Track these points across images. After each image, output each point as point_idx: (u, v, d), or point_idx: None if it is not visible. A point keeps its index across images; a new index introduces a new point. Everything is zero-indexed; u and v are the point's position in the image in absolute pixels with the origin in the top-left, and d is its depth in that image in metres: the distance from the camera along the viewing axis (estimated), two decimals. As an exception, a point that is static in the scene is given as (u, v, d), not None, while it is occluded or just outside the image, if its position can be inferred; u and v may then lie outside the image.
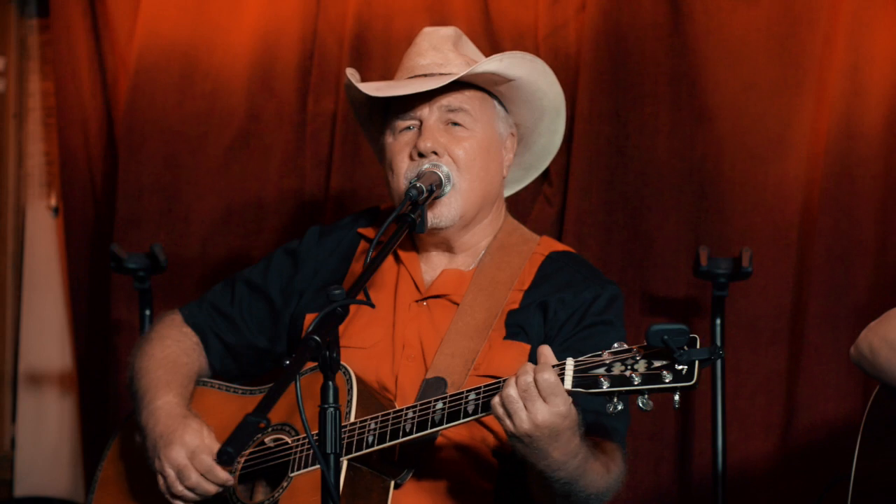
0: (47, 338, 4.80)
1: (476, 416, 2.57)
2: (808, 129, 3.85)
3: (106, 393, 4.52)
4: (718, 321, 3.72)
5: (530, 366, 2.49)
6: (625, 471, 2.78)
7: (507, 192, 3.13)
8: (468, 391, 2.56)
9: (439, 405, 2.58)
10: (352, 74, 2.99)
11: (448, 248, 2.96)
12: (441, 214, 2.85)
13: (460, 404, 2.56)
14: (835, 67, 3.79)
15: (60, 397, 4.79)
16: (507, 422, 2.50)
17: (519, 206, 3.89)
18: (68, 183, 4.63)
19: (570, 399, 2.50)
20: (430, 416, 2.59)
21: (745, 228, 3.89)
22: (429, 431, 2.59)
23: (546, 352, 2.52)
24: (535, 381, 2.46)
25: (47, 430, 4.79)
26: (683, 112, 3.95)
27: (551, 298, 2.85)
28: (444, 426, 2.58)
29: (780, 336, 3.88)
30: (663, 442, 3.97)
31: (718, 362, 3.71)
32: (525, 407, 2.47)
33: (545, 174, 4.06)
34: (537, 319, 2.84)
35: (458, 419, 2.56)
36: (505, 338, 2.81)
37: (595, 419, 2.74)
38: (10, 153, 4.87)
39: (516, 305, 2.88)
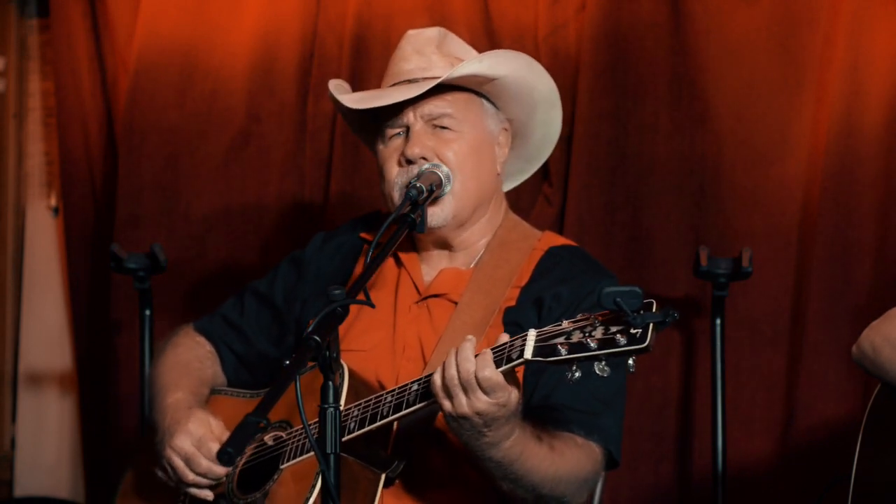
0: (47, 338, 4.81)
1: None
2: (808, 128, 3.85)
3: (106, 393, 4.52)
4: (718, 321, 3.72)
5: (469, 353, 2.48)
6: (597, 469, 2.76)
7: (509, 186, 3.12)
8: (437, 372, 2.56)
9: (415, 387, 2.59)
10: (335, 87, 2.99)
11: (446, 246, 2.96)
12: (433, 214, 2.84)
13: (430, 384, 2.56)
14: (835, 67, 3.79)
15: (60, 397, 4.79)
16: (446, 403, 2.51)
17: (519, 205, 3.89)
18: (68, 183, 4.63)
19: (513, 388, 2.50)
20: (405, 398, 2.59)
21: (745, 228, 3.89)
22: (403, 412, 2.59)
23: (501, 338, 2.51)
24: (478, 378, 2.46)
25: (47, 430, 4.79)
26: (683, 112, 3.95)
27: (546, 294, 2.85)
28: (417, 406, 2.57)
29: (780, 336, 3.88)
30: (663, 442, 3.97)
31: (718, 362, 3.71)
32: (466, 395, 2.49)
33: (545, 174, 4.06)
34: (532, 316, 2.84)
35: (430, 398, 2.56)
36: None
37: (574, 416, 2.74)
38: (10, 153, 4.87)
39: (513, 302, 2.87)
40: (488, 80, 2.90)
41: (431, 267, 2.96)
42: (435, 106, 2.88)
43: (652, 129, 3.98)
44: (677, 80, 3.96)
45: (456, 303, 2.87)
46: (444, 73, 2.87)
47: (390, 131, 2.91)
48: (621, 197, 4.00)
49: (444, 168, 2.84)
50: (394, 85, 2.93)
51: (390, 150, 2.90)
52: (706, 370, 3.82)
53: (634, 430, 3.91)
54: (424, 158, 2.84)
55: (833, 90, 3.78)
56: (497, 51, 2.93)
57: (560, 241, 3.02)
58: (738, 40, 3.90)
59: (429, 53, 2.94)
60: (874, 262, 3.78)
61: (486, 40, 4.06)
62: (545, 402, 2.75)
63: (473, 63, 2.86)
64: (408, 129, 2.88)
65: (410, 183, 2.79)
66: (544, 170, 4.05)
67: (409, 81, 2.90)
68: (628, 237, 4.00)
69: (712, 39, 3.92)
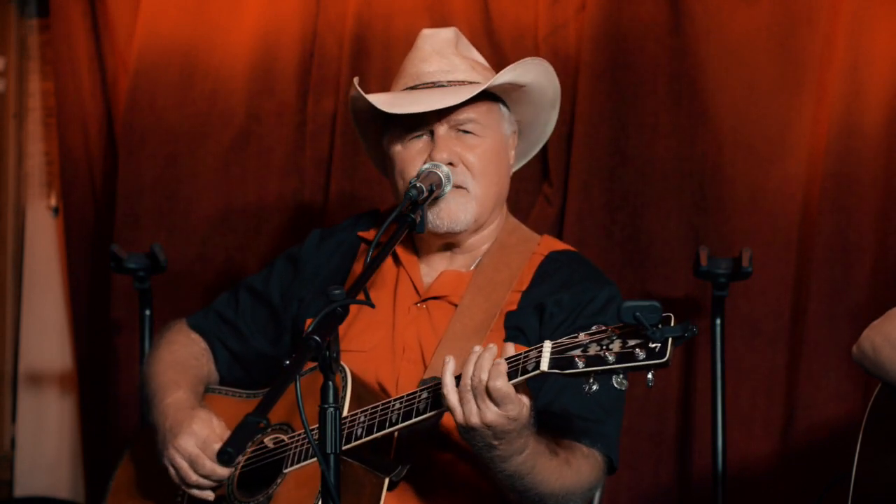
0: (47, 338, 4.80)
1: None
2: (808, 129, 3.85)
3: (106, 393, 4.52)
4: (718, 321, 3.72)
5: (487, 363, 2.48)
6: (600, 477, 2.77)
7: None
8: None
9: (424, 394, 2.58)
10: (360, 85, 2.99)
11: (452, 249, 2.96)
12: (457, 219, 2.85)
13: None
14: (835, 67, 3.79)
15: (60, 397, 4.79)
16: (458, 411, 2.51)
17: (519, 206, 3.90)
18: (68, 183, 4.63)
19: (524, 401, 2.50)
20: (415, 406, 2.59)
21: (745, 228, 3.89)
22: (413, 420, 2.58)
23: (508, 350, 2.52)
24: (488, 388, 2.46)
25: (47, 430, 4.79)
26: (683, 112, 3.95)
27: (548, 300, 2.85)
28: (428, 414, 2.57)
29: (780, 336, 3.88)
30: (663, 442, 3.97)
31: (718, 362, 3.71)
32: (476, 404, 2.48)
33: (545, 174, 4.06)
34: (534, 321, 2.84)
35: (441, 406, 2.55)
36: (505, 340, 2.81)
37: (581, 425, 2.74)
38: (10, 153, 4.87)
39: (514, 307, 2.87)
40: (517, 87, 2.92)
41: (431, 268, 2.96)
42: (462, 112, 2.88)
43: (652, 129, 3.98)
44: (677, 80, 3.96)
45: (456, 305, 2.87)
46: (466, 76, 2.90)
47: (410, 133, 2.91)
48: (621, 197, 4.00)
49: (444, 168, 2.84)
50: (416, 87, 2.93)
51: (412, 153, 2.90)
52: (706, 370, 3.82)
53: (634, 430, 3.91)
54: (451, 164, 2.85)
55: (833, 90, 3.78)
56: (527, 59, 2.94)
57: (560, 245, 3.02)
58: (738, 40, 3.90)
59: (450, 55, 2.94)
60: (874, 262, 3.78)
61: (486, 40, 4.05)
62: (549, 407, 2.74)
63: (508, 72, 2.88)
64: (432, 132, 2.89)
65: (410, 183, 2.79)
66: (544, 170, 4.05)
67: (434, 84, 2.91)
68: (628, 237, 3.99)
69: (712, 39, 3.92)
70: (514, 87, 2.92)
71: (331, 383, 2.33)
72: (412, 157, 2.89)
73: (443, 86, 2.90)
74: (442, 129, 2.88)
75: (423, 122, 2.89)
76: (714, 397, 3.72)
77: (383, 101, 2.90)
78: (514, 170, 3.16)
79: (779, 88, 3.87)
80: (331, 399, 2.33)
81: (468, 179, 2.86)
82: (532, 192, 4.04)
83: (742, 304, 3.86)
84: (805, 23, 3.84)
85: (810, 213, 3.84)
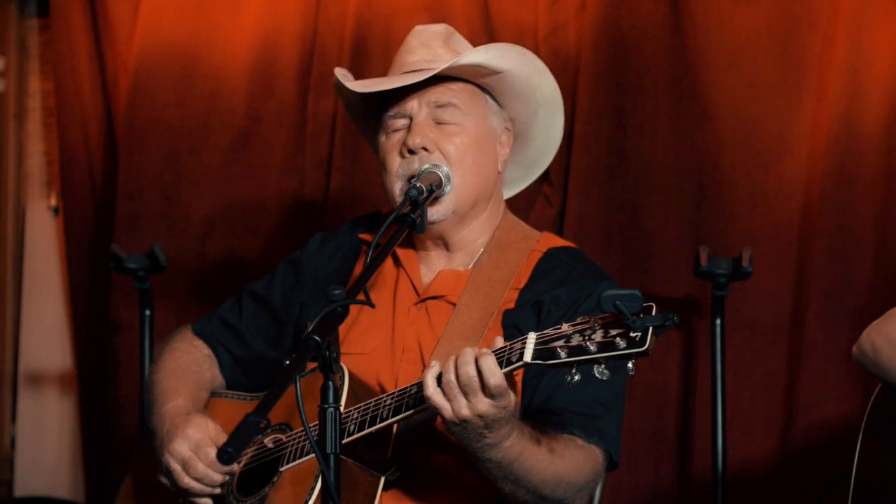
0: (47, 338, 4.81)
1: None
2: (808, 128, 3.85)
3: (106, 393, 4.52)
4: (718, 321, 3.72)
5: (469, 355, 2.48)
6: (598, 471, 2.76)
7: (509, 193, 3.11)
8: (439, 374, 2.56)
9: (414, 389, 2.58)
10: (342, 75, 2.98)
11: (445, 244, 2.95)
12: (433, 209, 2.84)
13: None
14: (835, 67, 3.79)
15: (60, 397, 4.80)
16: (447, 409, 2.50)
17: (519, 206, 3.88)
18: (68, 183, 4.63)
19: (512, 393, 2.50)
20: (405, 401, 2.59)
21: (745, 228, 3.89)
22: (403, 415, 2.58)
23: (497, 342, 2.52)
24: (484, 385, 2.46)
25: (47, 430, 4.79)
26: (683, 112, 3.95)
27: (545, 297, 2.84)
28: (418, 408, 2.57)
29: (780, 336, 3.88)
30: (663, 442, 3.97)
31: (718, 362, 3.71)
32: (465, 398, 2.48)
33: (545, 174, 4.06)
34: (532, 319, 2.83)
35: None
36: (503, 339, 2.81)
37: (575, 419, 2.74)
38: (10, 153, 4.88)
39: (512, 305, 2.86)
40: (493, 72, 2.89)
41: (430, 268, 2.96)
42: (441, 94, 2.87)
43: (652, 129, 3.98)
44: (677, 80, 3.96)
45: (454, 304, 2.87)
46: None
47: (393, 123, 2.90)
48: (621, 197, 4.00)
49: (444, 168, 2.83)
50: (398, 75, 2.93)
51: (392, 143, 2.89)
52: (706, 370, 3.82)
53: (634, 430, 3.91)
54: (426, 149, 2.83)
55: (833, 90, 3.79)
56: (502, 43, 2.92)
57: (559, 242, 3.01)
58: (738, 40, 3.90)
59: (435, 47, 2.93)
60: (874, 262, 3.78)
61: (486, 40, 4.05)
62: (545, 405, 2.74)
63: (479, 52, 2.86)
64: (411, 120, 2.88)
65: (411, 183, 2.79)
66: (544, 170, 4.05)
67: (415, 72, 2.90)
68: (628, 237, 4.00)
69: (712, 39, 3.92)
70: (490, 73, 2.89)
71: (331, 383, 2.33)
72: (392, 146, 2.89)
73: (422, 71, 2.88)
74: (421, 115, 2.86)
75: (402, 106, 2.88)
76: (714, 397, 3.72)
77: (357, 84, 2.90)
78: (527, 183, 3.15)
79: (779, 88, 3.87)
80: (331, 399, 2.33)
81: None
82: (532, 192, 4.03)
83: (742, 304, 3.86)
84: (805, 23, 3.84)
85: (810, 212, 3.84)
